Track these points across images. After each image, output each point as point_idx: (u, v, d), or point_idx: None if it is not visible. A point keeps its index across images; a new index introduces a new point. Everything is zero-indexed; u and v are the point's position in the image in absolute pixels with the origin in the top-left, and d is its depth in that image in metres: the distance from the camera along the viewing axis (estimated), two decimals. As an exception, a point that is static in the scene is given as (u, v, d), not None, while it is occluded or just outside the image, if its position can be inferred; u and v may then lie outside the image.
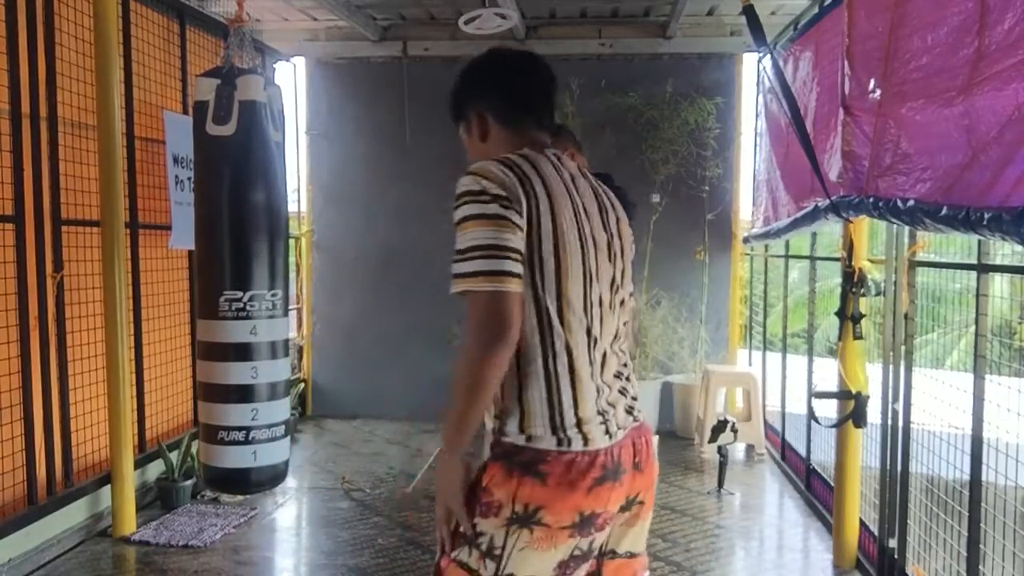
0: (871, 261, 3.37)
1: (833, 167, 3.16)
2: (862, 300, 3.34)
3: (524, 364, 1.46)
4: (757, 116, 5.39)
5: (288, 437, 3.81)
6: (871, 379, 3.33)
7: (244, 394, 3.56)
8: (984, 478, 2.49)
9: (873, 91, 2.79)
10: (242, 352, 3.55)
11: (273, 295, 3.63)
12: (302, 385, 6.23)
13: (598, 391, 1.50)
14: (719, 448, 4.54)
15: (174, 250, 4.42)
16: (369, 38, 5.86)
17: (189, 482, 4.21)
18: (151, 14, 4.31)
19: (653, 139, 5.68)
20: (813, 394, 3.76)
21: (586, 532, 1.46)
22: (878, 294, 3.30)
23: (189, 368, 4.61)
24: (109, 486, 3.75)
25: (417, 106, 5.95)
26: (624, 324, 1.64)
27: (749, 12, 2.95)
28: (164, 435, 4.40)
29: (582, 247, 1.49)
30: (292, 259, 5.83)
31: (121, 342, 3.67)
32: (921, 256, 3.04)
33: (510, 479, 1.44)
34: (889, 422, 3.18)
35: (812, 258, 4.54)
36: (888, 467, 3.22)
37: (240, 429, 3.55)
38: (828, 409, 3.72)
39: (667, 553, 3.66)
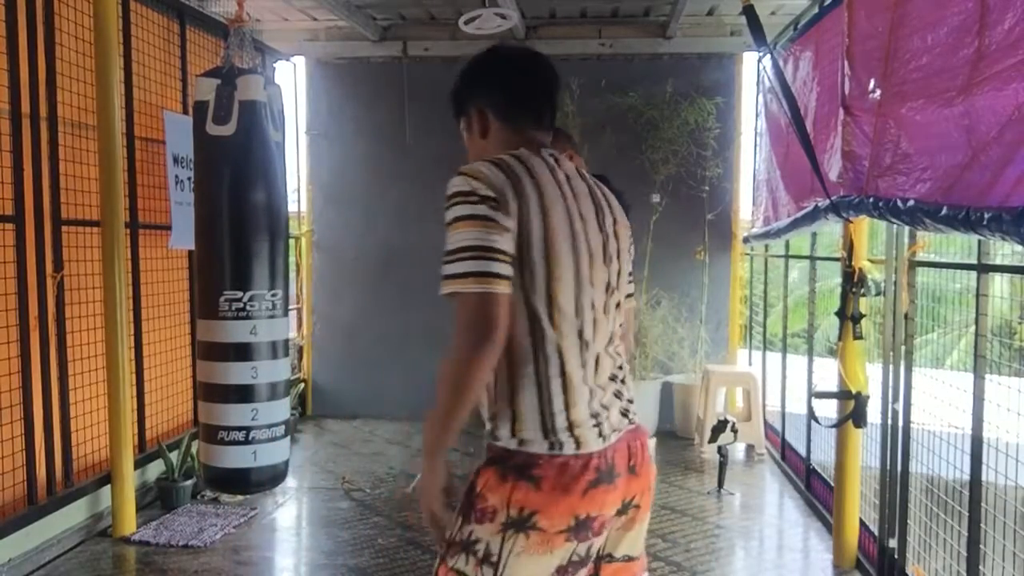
0: (871, 261, 3.37)
1: (833, 167, 3.16)
2: (862, 300, 3.34)
3: (515, 367, 1.45)
4: (757, 116, 5.39)
5: (288, 437, 3.81)
6: (871, 379, 3.33)
7: (244, 394, 3.56)
8: (984, 478, 2.49)
9: (873, 91, 2.79)
10: (242, 352, 3.55)
11: (273, 295, 3.63)
12: (302, 385, 6.23)
13: (591, 394, 1.49)
14: (719, 448, 4.54)
15: (174, 250, 4.42)
16: (369, 38, 5.86)
17: (189, 482, 4.21)
18: (151, 14, 4.31)
19: (653, 139, 5.68)
20: (813, 394, 3.76)
21: (583, 536, 1.45)
22: (878, 294, 3.30)
23: (189, 368, 4.61)
24: (109, 486, 3.75)
25: (417, 106, 5.96)
26: (621, 326, 1.63)
27: (749, 12, 2.95)
28: (164, 435, 4.40)
29: (574, 250, 1.48)
30: (292, 259, 5.83)
31: (121, 342, 3.67)
32: (921, 256, 3.04)
33: (504, 483, 1.43)
34: (889, 422, 3.18)
35: (812, 258, 4.54)
36: (888, 467, 3.22)
37: (240, 429, 3.56)
38: (828, 409, 3.72)
39: (667, 553, 3.66)
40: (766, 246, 5.39)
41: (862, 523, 3.51)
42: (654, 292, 5.82)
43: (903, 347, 3.07)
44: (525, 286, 1.44)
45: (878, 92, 2.74)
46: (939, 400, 2.90)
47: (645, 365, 5.74)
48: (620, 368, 1.60)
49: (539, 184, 1.47)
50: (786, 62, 4.25)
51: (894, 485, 3.16)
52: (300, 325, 6.33)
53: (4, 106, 3.27)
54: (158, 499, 4.19)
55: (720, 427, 4.78)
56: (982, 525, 2.51)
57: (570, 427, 1.45)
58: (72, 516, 3.65)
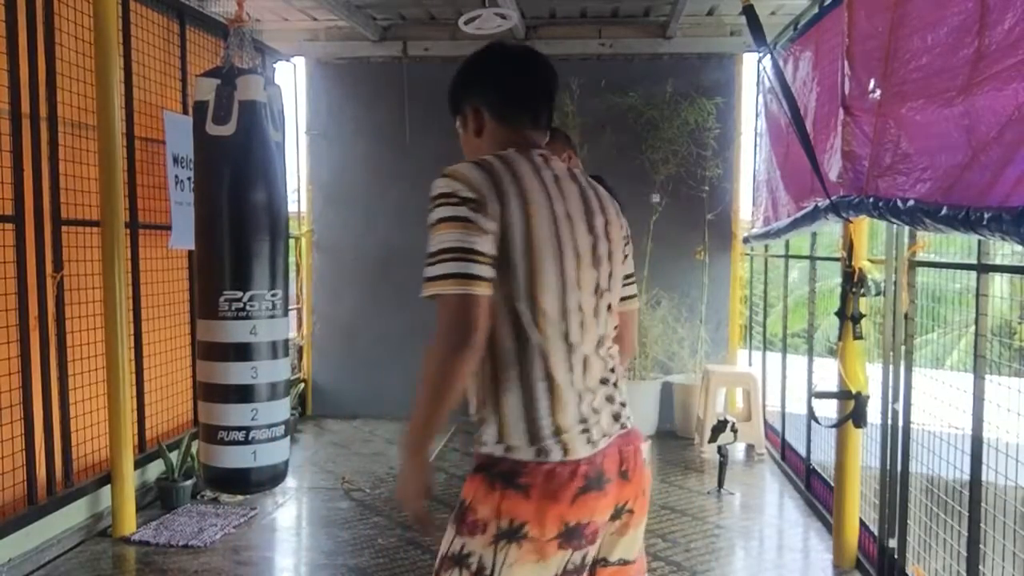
0: (871, 261, 3.37)
1: (833, 167, 3.16)
2: (862, 300, 3.34)
3: (500, 371, 1.44)
4: (757, 116, 5.39)
5: (288, 437, 3.81)
6: (871, 379, 3.33)
7: (244, 394, 3.56)
8: (984, 478, 2.49)
9: (873, 91, 2.79)
10: (242, 352, 3.55)
11: (273, 295, 3.63)
12: (302, 385, 6.23)
13: (579, 397, 1.47)
14: (719, 448, 4.54)
15: (174, 250, 4.42)
16: (369, 38, 5.86)
17: (189, 482, 4.21)
18: (151, 14, 4.31)
19: (653, 139, 5.68)
20: (813, 394, 3.76)
21: (576, 544, 1.43)
22: (878, 294, 3.30)
23: (189, 368, 4.61)
24: (109, 486, 3.75)
25: (417, 106, 5.96)
26: (615, 328, 1.60)
27: (749, 12, 2.95)
28: (164, 435, 4.40)
29: (558, 252, 1.46)
30: (292, 259, 5.83)
31: (121, 342, 3.67)
32: (921, 256, 3.04)
33: (492, 492, 1.42)
34: (889, 422, 3.18)
35: (812, 258, 4.54)
36: (888, 467, 3.22)
37: (240, 429, 3.56)
38: (828, 409, 3.72)
39: (667, 553, 3.66)
40: (766, 246, 5.39)
41: (862, 523, 3.51)
42: (654, 292, 5.82)
43: (903, 347, 3.07)
44: (507, 288, 1.42)
45: (878, 92, 2.74)
46: (939, 400, 2.90)
47: (645, 365, 5.74)
48: (612, 371, 1.57)
49: (521, 185, 1.45)
50: (786, 62, 4.25)
51: (894, 485, 3.16)
52: (300, 325, 6.33)
53: (4, 106, 3.27)
54: (158, 499, 4.19)
55: (720, 427, 4.78)
56: (982, 525, 2.51)
57: (556, 432, 1.43)
58: (72, 516, 3.65)
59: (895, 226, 3.02)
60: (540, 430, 1.43)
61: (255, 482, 3.68)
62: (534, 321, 1.44)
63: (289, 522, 4.15)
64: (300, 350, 6.29)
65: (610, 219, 1.60)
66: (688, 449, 5.37)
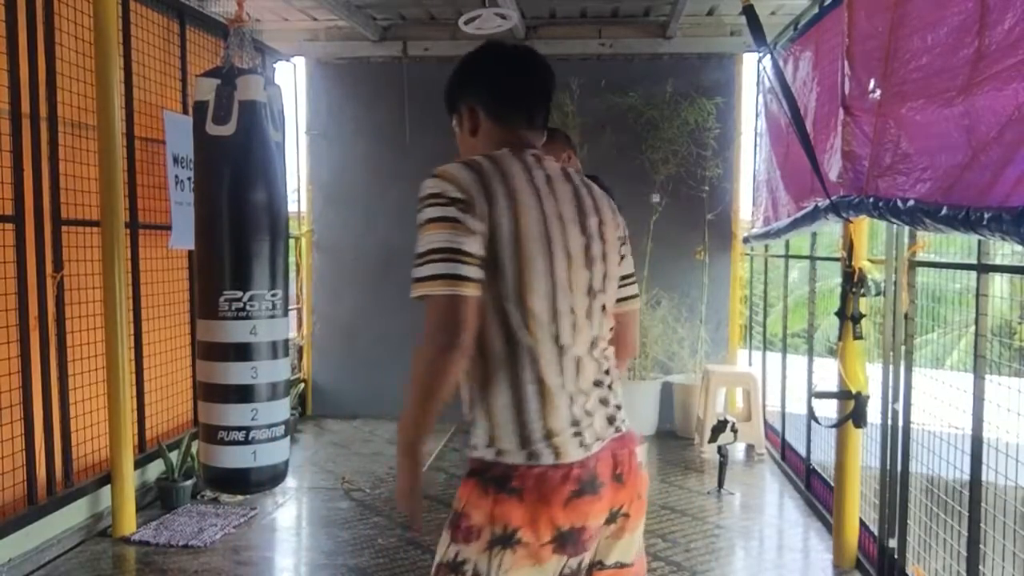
0: (871, 261, 3.37)
1: (833, 167, 3.16)
2: (862, 300, 3.34)
3: (490, 373, 1.44)
4: (757, 116, 5.39)
5: (288, 437, 3.81)
6: (871, 379, 3.33)
7: (244, 394, 3.56)
8: (984, 478, 2.49)
9: (873, 91, 2.79)
10: (242, 352, 3.55)
11: (273, 295, 3.63)
12: (302, 385, 6.23)
13: (571, 399, 1.45)
14: (719, 448, 4.54)
15: (174, 250, 4.42)
16: (369, 38, 5.86)
17: (189, 482, 4.21)
18: (151, 14, 4.31)
19: (653, 139, 5.68)
20: (813, 394, 3.76)
21: (572, 549, 1.42)
22: (878, 294, 3.30)
23: (189, 368, 4.61)
24: (109, 486, 3.75)
25: (417, 106, 5.96)
26: (611, 330, 1.59)
27: (749, 12, 2.95)
28: (164, 435, 4.40)
29: (549, 252, 1.45)
30: (292, 259, 5.83)
31: (121, 342, 3.67)
32: (921, 256, 3.04)
33: (485, 497, 1.41)
34: (889, 422, 3.18)
35: (812, 258, 4.54)
36: (888, 467, 3.22)
37: (240, 429, 3.55)
38: (828, 409, 3.72)
39: (667, 553, 3.66)
40: (766, 246, 5.39)
41: (862, 523, 3.51)
42: (654, 292, 5.82)
43: (903, 347, 3.07)
44: (496, 289, 1.41)
45: (878, 92, 2.74)
46: (939, 400, 2.90)
47: (645, 365, 5.74)
48: (607, 373, 1.55)
49: (510, 186, 1.44)
50: (786, 62, 4.25)
51: (894, 485, 3.16)
52: (300, 325, 6.33)
53: (4, 106, 3.27)
54: (158, 499, 4.19)
55: (720, 427, 4.78)
56: (982, 525, 2.51)
57: (547, 436, 1.42)
58: (72, 516, 3.65)
59: (895, 226, 3.02)
60: (530, 433, 1.42)
61: (255, 482, 3.68)
62: (523, 323, 1.43)
63: (289, 522, 4.15)
64: (300, 350, 6.29)
65: (604, 219, 1.58)
66: (688, 449, 5.37)
